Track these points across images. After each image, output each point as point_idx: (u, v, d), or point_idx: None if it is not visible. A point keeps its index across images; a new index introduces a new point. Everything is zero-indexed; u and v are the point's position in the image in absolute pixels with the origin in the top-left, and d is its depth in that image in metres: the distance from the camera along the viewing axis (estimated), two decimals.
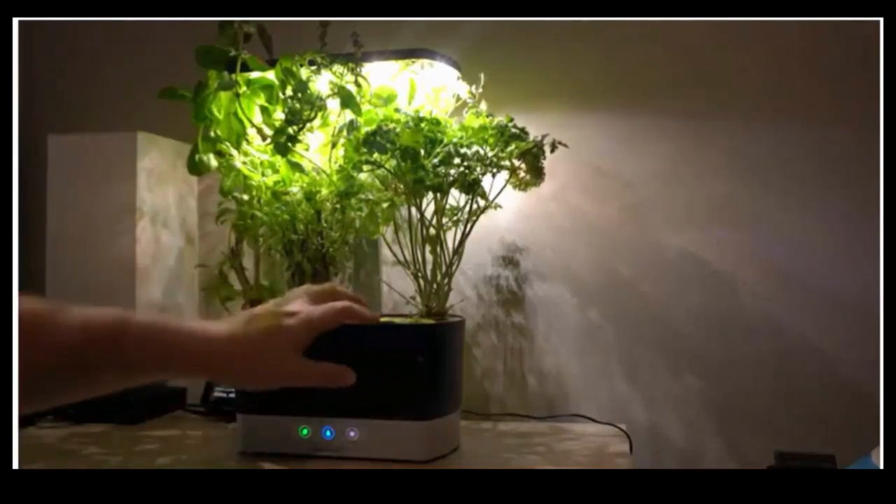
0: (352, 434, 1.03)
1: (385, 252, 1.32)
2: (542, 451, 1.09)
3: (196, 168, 1.08)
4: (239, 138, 1.08)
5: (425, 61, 1.14)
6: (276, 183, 1.10)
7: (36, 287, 1.31)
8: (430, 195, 1.08)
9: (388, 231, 1.15)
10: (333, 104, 1.05)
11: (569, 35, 1.31)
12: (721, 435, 1.23)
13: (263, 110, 1.08)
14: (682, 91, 1.27)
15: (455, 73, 1.18)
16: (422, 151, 1.04)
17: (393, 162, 1.05)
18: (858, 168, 1.20)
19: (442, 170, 1.04)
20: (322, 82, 1.07)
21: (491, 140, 1.09)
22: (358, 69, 1.06)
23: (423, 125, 1.04)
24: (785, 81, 1.24)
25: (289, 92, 1.04)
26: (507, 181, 1.11)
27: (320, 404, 1.04)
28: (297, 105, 1.03)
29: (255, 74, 1.07)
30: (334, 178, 1.07)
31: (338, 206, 1.07)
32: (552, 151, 1.11)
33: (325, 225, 1.09)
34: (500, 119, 1.10)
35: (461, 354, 1.11)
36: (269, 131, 1.08)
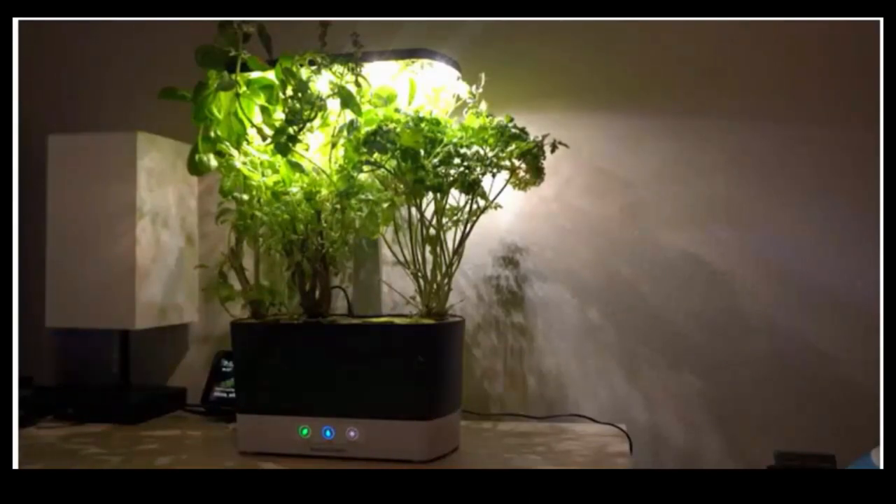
0: (352, 434, 1.03)
1: (385, 252, 1.32)
2: (542, 451, 1.09)
3: (196, 168, 1.08)
4: (239, 138, 1.08)
5: (425, 61, 1.14)
6: (276, 183, 1.10)
7: (36, 287, 1.31)
8: (430, 195, 1.08)
9: (388, 231, 1.15)
10: (333, 104, 1.05)
11: (569, 35, 1.31)
12: (721, 435, 1.23)
13: (263, 110, 1.08)
14: (682, 91, 1.27)
15: (455, 73, 1.18)
16: (422, 151, 1.04)
17: (393, 162, 1.05)
18: (858, 168, 1.20)
19: (442, 170, 1.04)
20: (322, 82, 1.07)
21: (491, 140, 1.09)
22: (358, 69, 1.06)
23: (423, 125, 1.04)
24: (785, 82, 1.24)
25: (289, 92, 1.04)
26: (507, 181, 1.11)
27: (320, 404, 1.05)
28: (298, 105, 1.03)
29: (255, 74, 1.07)
30: (334, 178, 1.07)
31: (338, 206, 1.07)
32: (552, 151, 1.11)
33: (325, 225, 1.09)
34: (499, 119, 1.10)
35: (461, 354, 1.12)
36: (269, 131, 1.08)
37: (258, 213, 1.09)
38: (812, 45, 1.23)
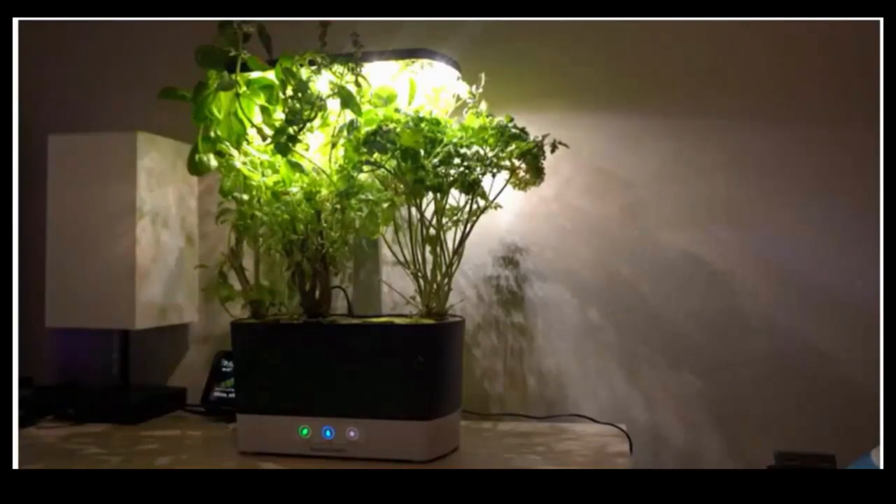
0: (352, 434, 1.03)
1: (385, 252, 1.32)
2: (542, 451, 1.09)
3: (196, 168, 1.08)
4: (239, 138, 1.08)
5: (425, 61, 1.14)
6: (276, 183, 1.10)
7: (36, 287, 1.31)
8: (430, 195, 1.08)
9: (388, 231, 1.15)
10: (333, 104, 1.05)
11: (569, 35, 1.31)
12: (721, 435, 1.23)
13: (263, 110, 1.08)
14: (682, 91, 1.27)
15: (455, 73, 1.18)
16: (422, 151, 1.04)
17: (393, 162, 1.05)
18: (858, 168, 1.20)
19: (442, 170, 1.04)
20: (322, 82, 1.07)
21: (491, 140, 1.09)
22: (358, 69, 1.06)
23: (423, 125, 1.04)
24: (785, 81, 1.23)
25: (289, 92, 1.04)
26: (507, 181, 1.11)
27: (320, 404, 1.05)
28: (298, 105, 1.03)
29: (255, 74, 1.07)
30: (334, 178, 1.07)
31: (338, 206, 1.07)
32: (552, 151, 1.11)
33: (325, 225, 1.09)
34: (499, 119, 1.10)
35: (461, 354, 1.12)
36: (269, 131, 1.08)
37: (258, 213, 1.09)
38: (812, 45, 1.23)
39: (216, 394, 1.32)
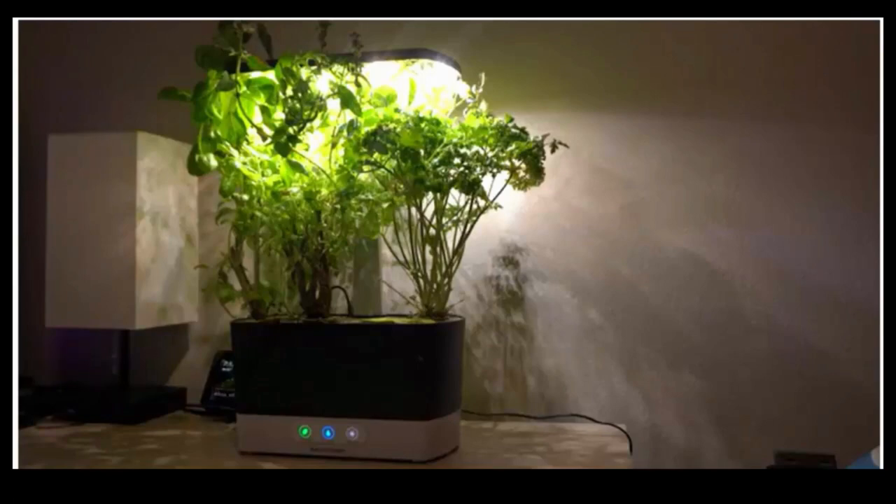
0: (352, 434, 1.03)
1: (385, 252, 1.32)
2: (542, 451, 1.09)
3: (196, 168, 1.08)
4: (239, 138, 1.08)
5: (425, 61, 1.14)
6: (276, 183, 1.10)
7: (36, 287, 1.31)
8: (430, 195, 1.08)
9: (388, 231, 1.15)
10: (333, 104, 1.05)
11: (569, 35, 1.31)
12: (721, 435, 1.23)
13: (263, 110, 1.08)
14: (682, 91, 1.27)
15: (455, 73, 1.18)
16: (422, 151, 1.04)
17: (393, 162, 1.05)
18: (858, 168, 1.20)
19: (442, 170, 1.04)
20: (322, 82, 1.07)
21: (491, 140, 1.09)
22: (358, 69, 1.06)
23: (423, 125, 1.04)
24: (785, 82, 1.24)
25: (289, 92, 1.04)
26: (507, 181, 1.11)
27: (320, 404, 1.05)
28: (298, 105, 1.03)
29: (255, 74, 1.07)
30: (334, 178, 1.07)
31: (338, 206, 1.07)
32: (552, 151, 1.11)
33: (325, 225, 1.09)
34: (499, 119, 1.10)
35: (461, 354, 1.12)
36: (269, 131, 1.08)
37: (258, 213, 1.09)
38: (812, 45, 1.23)
39: (216, 394, 1.32)
